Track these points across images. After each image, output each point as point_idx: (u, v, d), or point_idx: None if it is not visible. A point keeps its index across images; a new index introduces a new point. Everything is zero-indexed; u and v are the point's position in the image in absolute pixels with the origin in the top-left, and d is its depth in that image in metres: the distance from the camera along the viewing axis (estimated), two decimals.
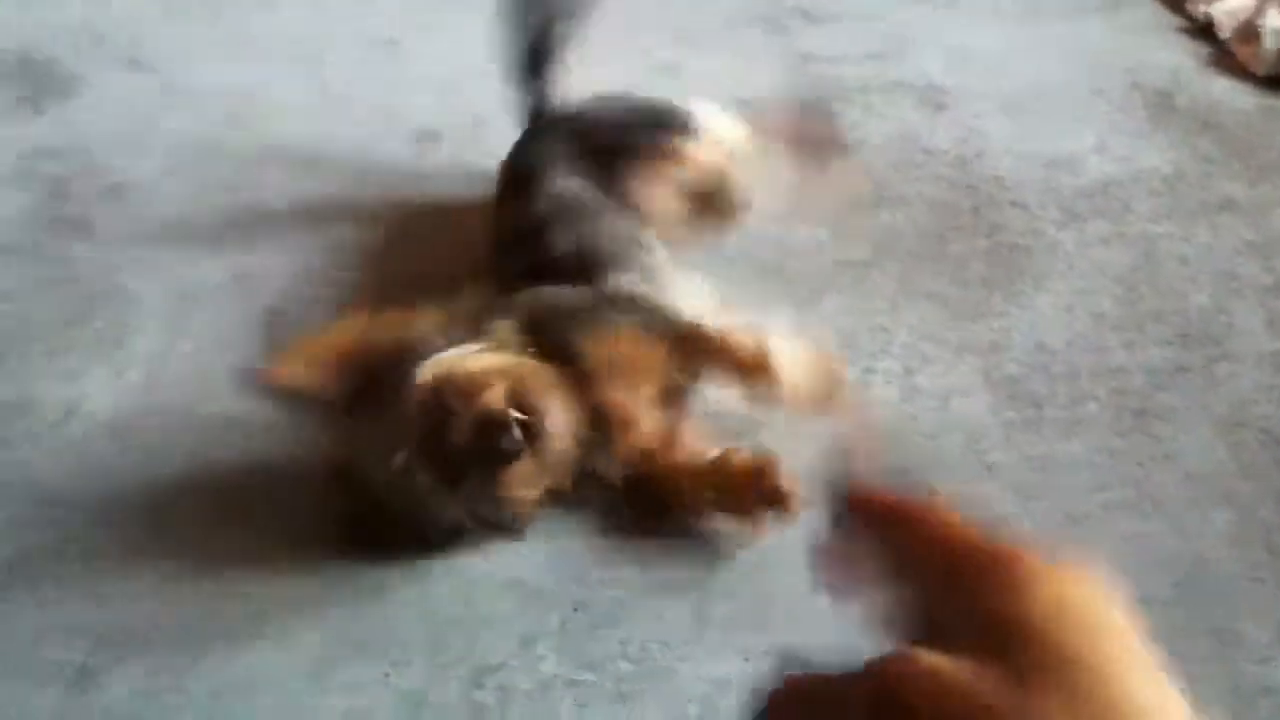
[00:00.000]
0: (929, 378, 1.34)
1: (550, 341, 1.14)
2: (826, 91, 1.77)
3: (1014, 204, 1.57)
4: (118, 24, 1.90)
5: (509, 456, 1.06)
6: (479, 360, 1.10)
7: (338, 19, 1.93)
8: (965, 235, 1.53)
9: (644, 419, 1.17)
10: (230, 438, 1.24)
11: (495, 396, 1.05)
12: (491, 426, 1.04)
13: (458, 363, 1.09)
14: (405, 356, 1.09)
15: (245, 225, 1.54)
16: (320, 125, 1.70)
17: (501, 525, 1.12)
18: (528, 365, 1.11)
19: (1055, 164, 1.64)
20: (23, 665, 1.07)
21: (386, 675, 1.06)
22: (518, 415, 1.06)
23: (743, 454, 1.16)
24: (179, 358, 1.35)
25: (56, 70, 1.79)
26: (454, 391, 1.06)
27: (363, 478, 1.09)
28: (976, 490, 1.22)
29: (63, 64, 1.81)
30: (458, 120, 1.70)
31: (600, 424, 1.14)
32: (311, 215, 1.56)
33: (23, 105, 1.73)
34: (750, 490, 1.14)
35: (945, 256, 1.49)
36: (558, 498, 1.14)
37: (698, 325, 1.19)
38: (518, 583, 1.14)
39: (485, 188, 1.44)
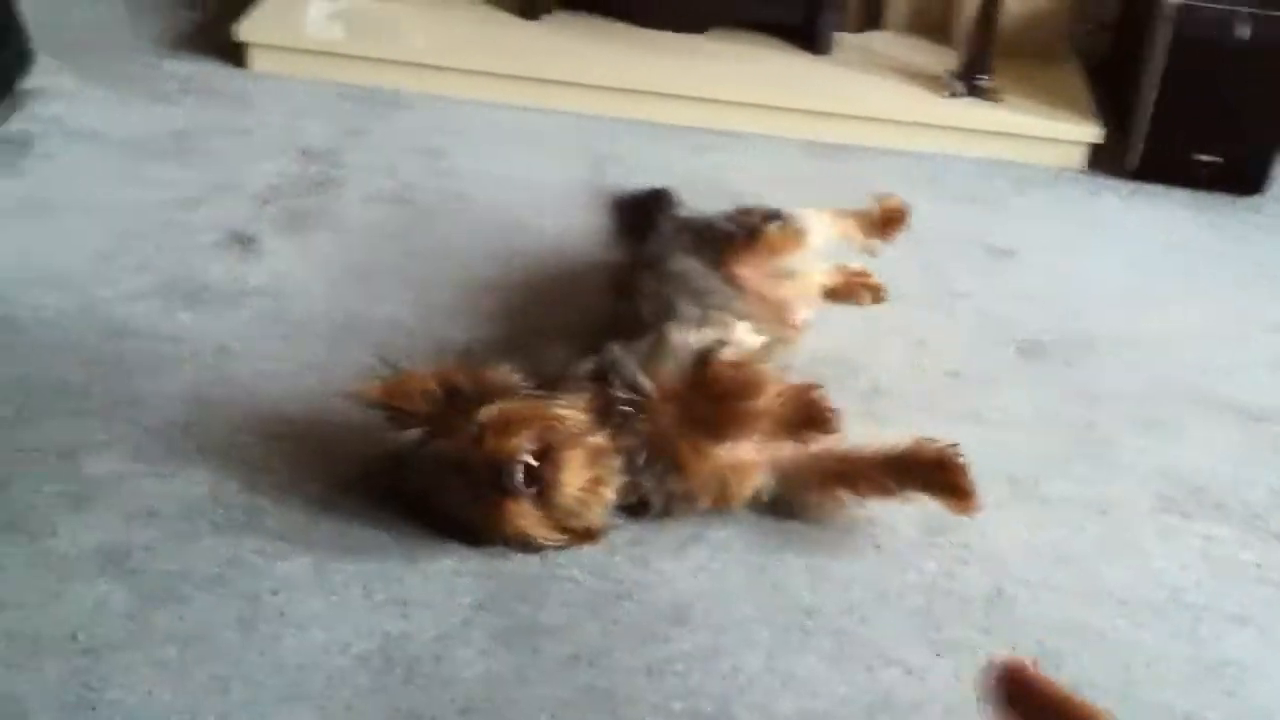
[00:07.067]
0: None
1: (612, 385, 1.30)
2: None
3: None
4: None
5: (507, 491, 1.21)
6: (535, 408, 1.26)
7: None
8: None
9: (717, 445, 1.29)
10: None
11: (520, 443, 1.21)
12: (501, 462, 1.21)
13: (520, 406, 1.26)
14: (481, 392, 1.28)
15: None
16: None
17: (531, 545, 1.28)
18: (579, 423, 1.26)
19: None
20: None
21: None
22: (530, 462, 1.21)
23: (930, 447, 1.32)
24: None
25: None
26: (494, 425, 1.22)
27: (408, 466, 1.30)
28: None
29: None
30: None
31: (664, 453, 1.28)
32: None
33: None
34: (936, 477, 1.32)
35: None
36: (582, 536, 1.28)
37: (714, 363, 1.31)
38: None
39: None
